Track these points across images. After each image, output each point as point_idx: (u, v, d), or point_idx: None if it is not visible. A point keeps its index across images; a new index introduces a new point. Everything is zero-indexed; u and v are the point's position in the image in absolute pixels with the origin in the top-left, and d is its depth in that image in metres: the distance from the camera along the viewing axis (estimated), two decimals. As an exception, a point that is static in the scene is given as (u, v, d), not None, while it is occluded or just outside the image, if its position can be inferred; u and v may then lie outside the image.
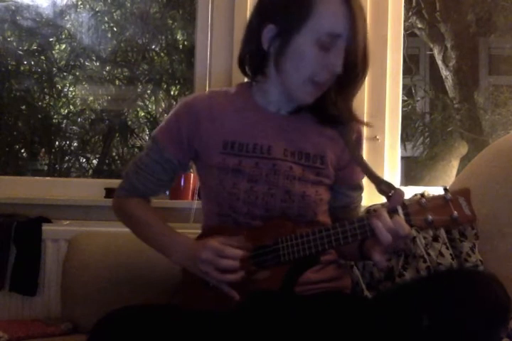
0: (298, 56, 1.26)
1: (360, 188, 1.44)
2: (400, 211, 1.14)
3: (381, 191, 1.25)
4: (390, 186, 1.23)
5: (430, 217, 1.12)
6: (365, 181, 1.42)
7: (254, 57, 1.34)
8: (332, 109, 1.34)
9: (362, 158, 1.35)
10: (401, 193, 1.17)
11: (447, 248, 1.67)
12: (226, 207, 1.34)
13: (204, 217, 1.44)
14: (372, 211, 1.72)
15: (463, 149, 3.53)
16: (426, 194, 1.82)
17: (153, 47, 3.23)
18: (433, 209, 1.13)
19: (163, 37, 3.23)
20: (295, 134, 1.36)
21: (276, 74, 1.31)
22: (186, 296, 1.34)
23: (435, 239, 1.67)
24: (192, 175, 2.11)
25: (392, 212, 1.15)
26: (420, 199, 1.14)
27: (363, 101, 2.14)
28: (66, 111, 3.17)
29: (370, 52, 1.29)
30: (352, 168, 1.39)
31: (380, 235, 1.13)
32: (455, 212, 1.11)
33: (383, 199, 1.45)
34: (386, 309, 1.20)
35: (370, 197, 1.50)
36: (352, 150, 1.35)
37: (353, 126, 1.39)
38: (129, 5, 3.17)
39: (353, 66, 1.27)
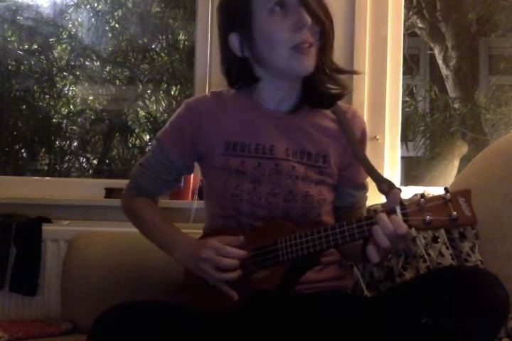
0: (267, 36, 1.27)
1: (364, 187, 1.44)
2: (398, 211, 1.13)
3: (381, 190, 1.25)
4: (390, 185, 1.23)
5: (428, 218, 1.10)
6: (367, 181, 1.42)
7: (240, 69, 1.34)
8: (321, 85, 1.34)
9: (365, 156, 1.35)
10: (397, 193, 1.17)
11: (447, 248, 1.67)
12: (230, 208, 1.34)
13: (207, 219, 1.44)
14: (372, 211, 1.72)
15: (464, 149, 3.52)
16: (426, 194, 1.82)
17: (154, 47, 3.23)
18: (432, 209, 1.11)
19: (164, 37, 3.22)
20: (297, 133, 1.36)
21: (264, 70, 1.32)
22: (186, 296, 1.34)
23: (435, 239, 1.67)
24: (192, 175, 2.10)
25: (390, 212, 1.14)
26: (419, 200, 1.12)
27: (363, 102, 2.14)
28: (66, 111, 3.17)
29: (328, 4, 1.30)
30: (356, 167, 1.39)
31: (379, 240, 1.13)
32: (454, 212, 1.09)
33: (384, 199, 1.46)
34: (386, 307, 1.20)
35: (370, 196, 1.50)
36: (355, 147, 1.36)
37: (357, 123, 1.39)
38: (129, 5, 3.17)
39: (318, 20, 1.27)
